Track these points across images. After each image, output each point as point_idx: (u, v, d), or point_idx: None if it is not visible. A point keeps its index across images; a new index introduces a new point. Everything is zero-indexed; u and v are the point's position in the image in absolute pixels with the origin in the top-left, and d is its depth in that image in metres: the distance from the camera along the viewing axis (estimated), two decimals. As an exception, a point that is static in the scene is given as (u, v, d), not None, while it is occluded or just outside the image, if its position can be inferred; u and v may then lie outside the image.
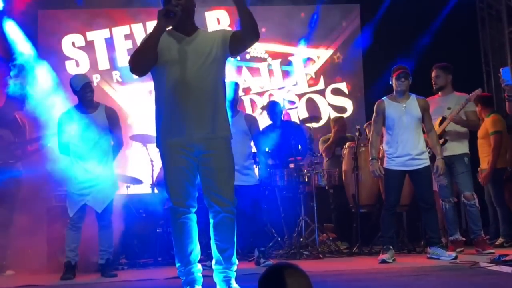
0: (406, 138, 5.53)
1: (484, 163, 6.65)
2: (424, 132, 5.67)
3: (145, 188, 7.40)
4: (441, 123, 5.94)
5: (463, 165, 5.91)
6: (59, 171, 5.75)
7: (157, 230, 6.51)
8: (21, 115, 6.14)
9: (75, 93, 5.41)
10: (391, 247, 5.52)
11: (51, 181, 6.30)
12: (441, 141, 5.87)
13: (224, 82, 3.69)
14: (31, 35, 7.90)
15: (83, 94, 5.37)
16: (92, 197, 5.28)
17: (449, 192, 5.94)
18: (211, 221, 3.62)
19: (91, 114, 5.39)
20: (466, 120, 5.93)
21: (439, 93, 6.12)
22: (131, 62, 3.57)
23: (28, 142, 6.00)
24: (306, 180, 6.64)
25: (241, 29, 3.57)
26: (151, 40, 3.48)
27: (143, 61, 3.55)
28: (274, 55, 8.90)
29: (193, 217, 3.63)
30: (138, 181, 7.35)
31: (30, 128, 6.16)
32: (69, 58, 8.65)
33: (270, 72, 8.90)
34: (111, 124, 5.45)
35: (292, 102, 8.52)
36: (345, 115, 8.63)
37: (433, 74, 6.11)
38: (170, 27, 3.63)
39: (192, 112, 3.49)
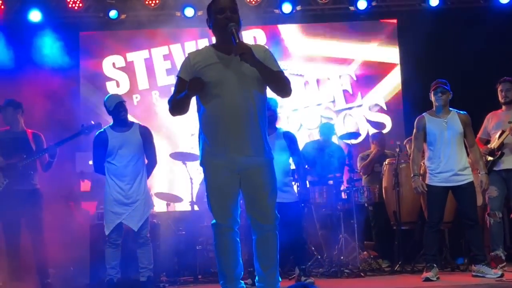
0: (449, 153, 5.46)
1: None
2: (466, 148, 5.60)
3: (184, 206, 7.45)
4: (500, 136, 5.84)
5: None
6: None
7: (197, 248, 6.53)
8: (33, 129, 6.10)
9: (109, 113, 5.50)
10: (434, 265, 5.43)
11: (75, 195, 6.42)
12: (498, 153, 5.80)
13: (265, 102, 3.70)
14: (74, 56, 8.12)
15: (117, 113, 5.46)
16: (128, 215, 5.34)
17: (498, 205, 5.82)
18: (254, 237, 3.62)
19: (125, 133, 5.47)
20: None
21: (503, 107, 6.03)
22: (170, 108, 3.68)
23: (36, 157, 5.88)
24: (346, 197, 6.59)
25: (269, 87, 3.64)
26: (184, 102, 3.56)
27: (179, 112, 3.67)
28: (311, 72, 8.89)
29: (236, 234, 3.63)
30: (178, 199, 7.41)
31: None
32: (110, 79, 8.79)
33: (307, 88, 8.89)
34: (145, 142, 5.52)
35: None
36: (384, 131, 8.56)
37: (502, 87, 5.99)
38: (212, 44, 3.69)
39: (234, 133, 3.50)
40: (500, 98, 6.02)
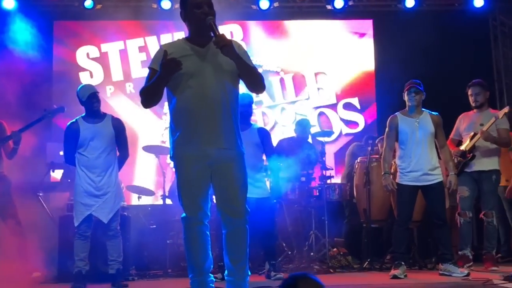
0: (419, 153, 5.52)
1: (502, 180, 6.61)
2: (437, 148, 5.67)
3: (156, 199, 7.42)
4: (471, 138, 5.93)
5: (490, 183, 5.91)
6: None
7: (168, 242, 6.50)
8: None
9: (82, 103, 5.43)
10: (402, 263, 5.50)
11: (45, 185, 6.34)
12: (470, 156, 5.89)
13: (238, 95, 3.71)
14: (47, 45, 8.02)
15: (90, 104, 5.39)
16: (98, 207, 5.29)
17: (469, 205, 5.90)
18: (224, 231, 3.62)
19: (97, 124, 5.41)
20: (496, 137, 5.87)
21: (474, 109, 6.10)
22: (142, 99, 3.61)
23: (1, 143, 5.84)
24: (317, 194, 6.63)
25: (244, 82, 3.64)
26: (157, 87, 3.51)
27: (152, 101, 3.61)
28: (287, 69, 8.93)
29: (206, 228, 3.63)
30: (150, 192, 7.37)
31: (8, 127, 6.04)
32: (83, 69, 8.71)
33: (283, 85, 8.92)
34: (118, 134, 5.47)
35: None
36: (356, 130, 8.63)
37: (472, 91, 6.06)
38: (185, 37, 3.70)
39: (207, 125, 3.49)
40: (470, 102, 6.09)
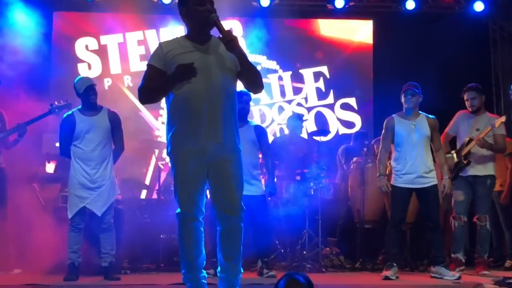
0: (415, 155, 5.55)
1: (497, 185, 6.66)
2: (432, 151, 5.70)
3: (150, 194, 7.43)
4: (467, 144, 5.95)
5: (485, 187, 5.93)
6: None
7: (161, 236, 6.52)
8: None
9: (78, 95, 5.44)
10: (394, 264, 5.52)
11: (40, 176, 6.34)
12: (465, 162, 5.92)
13: (236, 93, 3.73)
14: (46, 35, 8.01)
15: (87, 96, 5.40)
16: (92, 200, 5.31)
17: (464, 209, 5.91)
18: (219, 228, 3.64)
19: (93, 117, 5.42)
20: (492, 144, 5.88)
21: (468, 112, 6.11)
22: (141, 96, 3.61)
23: (4, 135, 5.85)
24: (312, 193, 6.65)
25: (243, 81, 3.65)
26: (167, 88, 3.54)
27: (155, 99, 3.68)
28: (285, 68, 8.95)
29: (200, 224, 3.65)
30: (144, 186, 7.38)
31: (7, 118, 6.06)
32: (81, 61, 8.71)
33: (281, 84, 8.94)
34: (113, 128, 5.49)
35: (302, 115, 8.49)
36: (353, 130, 8.65)
37: (467, 96, 6.04)
38: (184, 35, 3.71)
39: (206, 121, 3.51)
40: (467, 107, 6.09)
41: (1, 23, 7.64)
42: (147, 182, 7.70)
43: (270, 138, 6.57)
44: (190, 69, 3.44)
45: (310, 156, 6.88)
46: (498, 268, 6.54)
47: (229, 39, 3.44)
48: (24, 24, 7.78)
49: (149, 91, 3.59)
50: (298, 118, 7.36)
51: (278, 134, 8.60)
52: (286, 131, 7.60)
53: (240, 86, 3.77)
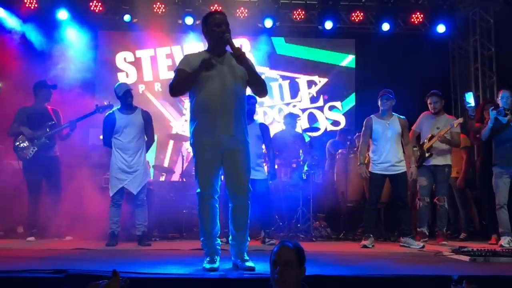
0: (388, 148, 5.54)
1: (453, 172, 6.63)
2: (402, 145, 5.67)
3: (176, 177, 7.43)
4: (429, 139, 5.92)
5: (444, 174, 5.93)
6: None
7: (184, 211, 6.53)
8: (52, 105, 6.05)
9: (118, 98, 5.45)
10: (371, 235, 5.52)
11: (88, 162, 6.37)
12: (428, 154, 5.90)
13: (245, 96, 3.72)
14: (93, 50, 8.03)
15: (125, 99, 5.42)
16: (129, 181, 5.33)
17: (426, 192, 5.89)
18: (230, 205, 3.64)
19: (130, 115, 5.44)
20: (449, 139, 5.87)
21: (430, 113, 6.07)
22: (173, 89, 3.60)
23: (59, 129, 5.87)
24: (305, 177, 6.64)
25: (251, 87, 3.65)
26: (192, 77, 3.52)
27: (183, 91, 3.65)
28: (284, 77, 8.92)
29: (216, 201, 3.65)
30: (171, 171, 7.38)
31: (61, 115, 6.07)
32: (120, 70, 8.70)
33: (281, 90, 8.92)
34: (146, 124, 5.50)
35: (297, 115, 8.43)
36: (338, 128, 8.62)
37: (430, 100, 6.01)
38: (205, 49, 3.71)
39: (220, 118, 3.51)
40: (430, 109, 6.06)
41: (57, 39, 7.67)
42: (172, 167, 7.69)
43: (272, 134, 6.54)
44: (209, 62, 3.48)
45: (304, 147, 6.86)
46: (454, 239, 6.53)
47: (238, 54, 3.45)
48: (76, 40, 7.81)
49: (178, 84, 3.58)
50: (292, 117, 7.31)
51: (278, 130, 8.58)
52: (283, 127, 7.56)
53: (248, 91, 3.76)
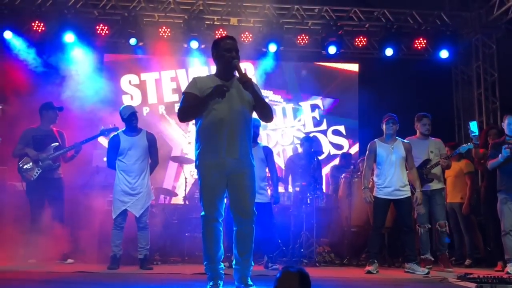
0: (393, 172, 5.52)
1: (457, 197, 6.57)
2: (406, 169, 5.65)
3: (178, 200, 7.40)
4: (424, 162, 5.86)
5: (441, 197, 5.90)
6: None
7: (186, 234, 6.49)
8: (57, 127, 6.09)
9: (123, 120, 5.48)
10: (375, 261, 5.46)
11: (91, 184, 6.36)
12: (430, 179, 5.87)
13: (252, 120, 3.73)
14: (98, 72, 8.11)
15: (130, 121, 5.44)
16: (132, 204, 5.31)
17: (425, 219, 5.84)
18: (235, 229, 3.62)
19: (135, 137, 5.45)
20: (449, 163, 5.93)
21: (419, 135, 5.97)
22: (182, 115, 3.62)
23: (64, 151, 5.88)
24: (309, 202, 6.60)
25: (257, 112, 3.67)
26: (204, 104, 3.53)
27: (192, 116, 3.66)
28: (287, 101, 8.96)
29: (220, 225, 3.63)
30: (174, 194, 7.36)
31: (66, 137, 6.10)
32: (125, 93, 8.75)
33: (284, 114, 8.94)
34: (150, 146, 5.51)
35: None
36: (342, 152, 8.60)
37: (426, 121, 5.92)
38: (214, 73, 3.74)
39: (226, 141, 3.52)
40: (423, 131, 5.92)
41: (64, 61, 7.74)
42: (175, 190, 7.67)
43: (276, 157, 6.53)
44: (222, 88, 3.47)
45: (318, 171, 6.80)
46: (459, 266, 6.45)
47: (244, 80, 3.47)
48: (82, 62, 7.88)
49: (188, 109, 3.59)
50: (312, 141, 7.28)
51: (281, 154, 8.58)
52: (289, 152, 7.55)
53: (253, 115, 3.77)
